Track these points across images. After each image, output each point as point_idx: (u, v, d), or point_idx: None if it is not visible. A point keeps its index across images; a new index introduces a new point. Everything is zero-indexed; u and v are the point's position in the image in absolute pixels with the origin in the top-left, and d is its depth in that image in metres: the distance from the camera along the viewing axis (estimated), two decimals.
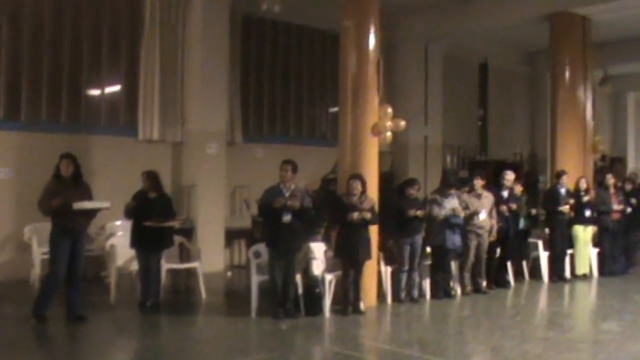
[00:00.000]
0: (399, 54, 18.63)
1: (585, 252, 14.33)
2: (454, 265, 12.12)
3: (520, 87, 23.09)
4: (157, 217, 10.40)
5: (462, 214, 11.80)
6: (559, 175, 14.38)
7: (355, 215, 10.26)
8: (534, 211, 13.98)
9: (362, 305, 10.55)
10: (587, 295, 13.53)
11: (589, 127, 16.08)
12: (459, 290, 12.16)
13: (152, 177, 10.68)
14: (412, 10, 17.43)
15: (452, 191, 12.01)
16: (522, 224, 13.49)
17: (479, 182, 12.48)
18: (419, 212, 11.30)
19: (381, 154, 12.13)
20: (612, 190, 14.90)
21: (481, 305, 11.72)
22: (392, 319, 10.81)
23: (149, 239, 10.51)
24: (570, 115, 15.78)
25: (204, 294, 11.57)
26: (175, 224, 10.84)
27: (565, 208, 13.91)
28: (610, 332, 9.83)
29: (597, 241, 14.53)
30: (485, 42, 20.48)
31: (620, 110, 27.53)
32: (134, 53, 14.40)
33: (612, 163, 21.98)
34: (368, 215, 10.35)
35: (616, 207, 14.76)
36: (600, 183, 15.26)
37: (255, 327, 9.88)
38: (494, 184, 13.31)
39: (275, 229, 10.05)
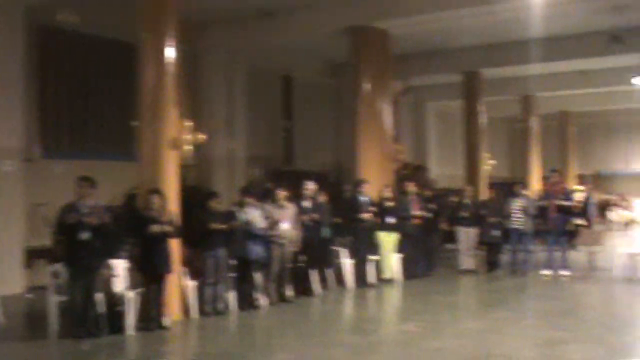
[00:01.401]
0: (203, 66, 18.52)
1: (390, 257, 14.79)
2: (258, 276, 12.15)
3: (325, 98, 23.52)
4: None
5: (262, 224, 11.88)
6: (358, 184, 14.82)
7: (155, 227, 10.13)
8: (337, 220, 14.26)
9: (166, 320, 10.39)
10: (390, 299, 13.95)
11: (390, 136, 16.61)
12: (265, 301, 12.21)
13: None
14: (215, 22, 17.40)
15: (253, 202, 12.09)
16: (325, 232, 13.73)
17: (281, 193, 12.62)
18: (223, 226, 11.29)
19: (186, 168, 12.02)
20: (412, 197, 15.47)
21: (287, 314, 11.82)
22: (198, 332, 10.73)
23: None
24: (372, 126, 16.24)
25: (1, 318, 11.03)
26: None
27: (366, 216, 14.31)
28: (411, 332, 10.20)
29: (399, 246, 15.00)
30: (291, 54, 20.71)
31: (422, 120, 28.70)
32: None
33: (414, 171, 22.77)
34: (167, 228, 10.24)
35: (416, 213, 15.33)
36: (401, 190, 15.79)
37: (56, 349, 9.55)
38: (299, 195, 13.49)
39: (73, 247, 9.72)
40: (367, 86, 16.29)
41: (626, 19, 17.14)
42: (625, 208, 29.87)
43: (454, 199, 17.12)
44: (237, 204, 12.15)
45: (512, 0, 13.45)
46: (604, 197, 33.46)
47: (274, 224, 12.16)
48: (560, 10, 14.62)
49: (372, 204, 14.63)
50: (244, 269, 11.83)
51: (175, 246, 10.68)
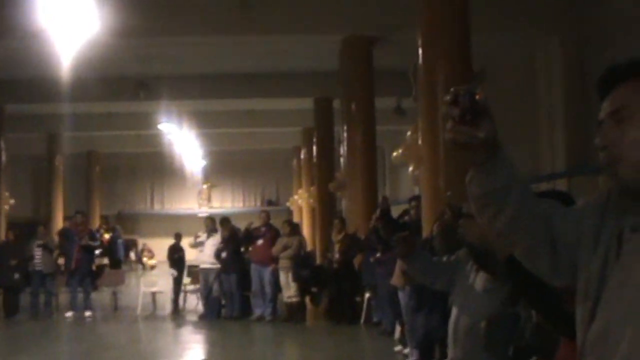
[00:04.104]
0: None
1: None
2: None
3: None
4: None
5: None
6: None
7: None
8: None
9: None
10: None
11: None
12: None
13: None
14: None
15: None
16: None
17: None
18: None
19: None
20: None
21: None
22: None
23: None
24: None
25: None
26: None
27: None
28: None
29: None
30: None
31: None
32: None
33: None
34: None
35: None
36: None
37: None
38: None
39: None
40: None
41: (153, 68, 17.76)
42: (148, 251, 31.17)
43: None
44: None
45: (30, 38, 13.01)
46: (128, 237, 34.38)
47: None
48: (87, 53, 14.55)
49: None
50: None
51: None
